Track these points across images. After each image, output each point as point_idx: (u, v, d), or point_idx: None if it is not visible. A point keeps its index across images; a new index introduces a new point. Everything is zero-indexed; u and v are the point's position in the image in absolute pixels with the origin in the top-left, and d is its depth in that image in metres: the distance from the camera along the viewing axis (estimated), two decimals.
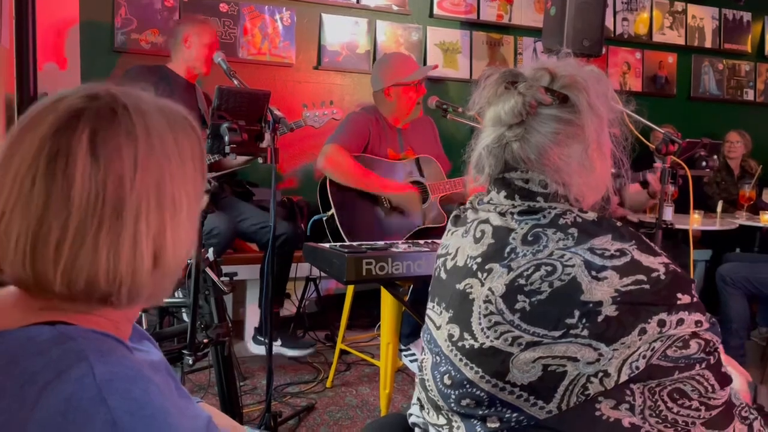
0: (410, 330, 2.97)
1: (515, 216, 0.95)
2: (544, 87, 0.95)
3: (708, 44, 5.02)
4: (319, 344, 3.43)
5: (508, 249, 0.93)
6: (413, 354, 3.00)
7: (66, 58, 3.19)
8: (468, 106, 1.03)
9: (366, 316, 3.59)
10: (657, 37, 4.86)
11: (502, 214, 0.97)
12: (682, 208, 3.30)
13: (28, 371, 0.58)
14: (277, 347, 2.97)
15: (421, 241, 2.40)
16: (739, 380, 1.10)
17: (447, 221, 1.16)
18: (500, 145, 0.97)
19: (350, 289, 2.85)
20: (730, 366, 1.12)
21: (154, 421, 0.58)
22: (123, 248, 0.63)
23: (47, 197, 0.61)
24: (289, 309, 3.54)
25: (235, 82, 2.31)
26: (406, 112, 3.09)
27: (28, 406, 0.57)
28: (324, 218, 2.92)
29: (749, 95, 5.20)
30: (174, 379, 0.73)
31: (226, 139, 1.87)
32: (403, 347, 3.01)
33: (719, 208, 3.84)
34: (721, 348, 1.12)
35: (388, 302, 2.32)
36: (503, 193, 0.99)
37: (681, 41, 4.93)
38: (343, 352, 2.97)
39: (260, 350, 3.02)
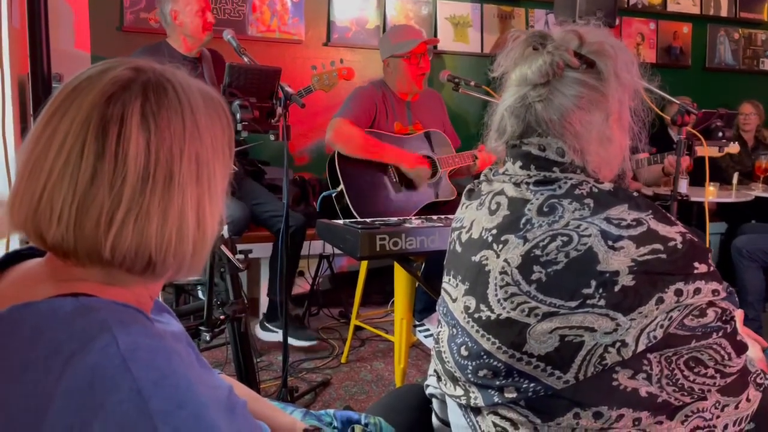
0: (424, 305, 2.99)
1: (531, 186, 0.95)
2: (573, 50, 0.94)
3: (724, 13, 4.92)
4: (333, 321, 3.46)
5: (523, 220, 0.92)
6: (427, 329, 3.02)
7: (75, 38, 3.18)
8: (492, 67, 1.02)
9: (379, 292, 3.61)
10: (671, 7, 4.77)
11: (517, 185, 0.97)
12: (697, 181, 3.27)
13: (52, 343, 0.59)
14: (281, 335, 2.97)
15: (434, 216, 2.40)
16: (755, 349, 1.10)
17: (456, 195, 1.16)
18: (523, 105, 0.96)
19: (364, 265, 2.87)
20: (747, 335, 1.12)
21: (178, 389, 0.59)
22: (172, 217, 0.64)
23: (96, 167, 0.61)
24: (302, 286, 3.57)
25: (245, 59, 2.30)
26: (407, 84, 3.08)
27: (54, 377, 0.58)
28: (333, 194, 2.93)
29: (766, 65, 5.10)
30: (194, 349, 0.74)
31: (238, 116, 1.87)
32: (417, 322, 3.03)
33: (734, 180, 3.79)
34: (739, 316, 1.12)
35: (401, 278, 2.33)
36: (519, 164, 0.98)
37: (696, 10, 4.84)
38: (357, 328, 2.99)
39: (268, 336, 3.03)
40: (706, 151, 2.58)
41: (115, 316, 0.62)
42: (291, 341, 2.88)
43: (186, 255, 0.67)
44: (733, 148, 3.07)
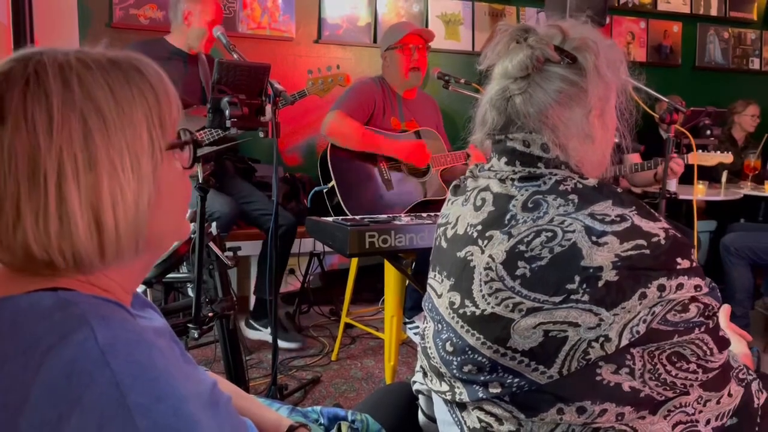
0: (413, 303, 3.00)
1: (515, 183, 0.95)
2: (555, 45, 0.94)
3: (714, 12, 4.95)
4: (323, 318, 3.46)
5: (508, 216, 0.93)
6: (417, 326, 3.03)
7: (64, 36, 3.16)
8: (479, 60, 1.02)
9: (370, 290, 3.61)
10: (662, 6, 4.79)
11: (502, 181, 0.97)
12: (686, 179, 3.29)
13: (31, 336, 0.59)
14: (267, 334, 2.96)
15: (424, 214, 2.41)
16: (740, 344, 1.11)
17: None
18: (503, 97, 0.96)
19: (354, 263, 2.87)
20: (732, 330, 1.13)
21: (158, 383, 0.58)
22: (51, 213, 0.61)
23: None
24: (293, 284, 3.56)
25: (235, 56, 2.30)
26: (400, 77, 3.10)
27: (31, 370, 0.57)
28: (324, 190, 2.93)
29: (755, 64, 5.13)
30: (178, 345, 0.74)
31: (227, 113, 1.86)
32: (407, 320, 3.04)
33: (723, 179, 3.82)
34: (726, 312, 1.12)
35: (391, 275, 2.33)
36: (504, 160, 0.98)
37: (686, 9, 4.86)
38: (347, 325, 3.00)
39: (254, 335, 3.02)
40: (695, 158, 2.61)
41: (94, 310, 0.62)
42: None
43: (87, 250, 0.63)
44: (727, 157, 3.10)
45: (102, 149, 0.62)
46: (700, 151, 3.02)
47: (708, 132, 2.43)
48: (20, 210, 0.60)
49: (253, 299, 3.24)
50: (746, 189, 3.81)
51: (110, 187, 0.63)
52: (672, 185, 2.97)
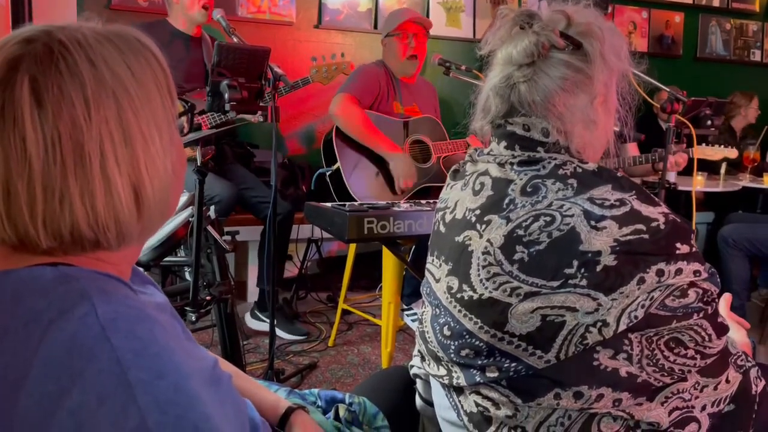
0: (411, 290, 3.00)
1: (515, 167, 0.95)
2: (560, 30, 0.93)
3: (716, 3, 4.92)
4: (321, 305, 3.46)
5: (507, 200, 0.92)
6: (415, 313, 3.04)
7: (62, 17, 3.14)
8: (480, 45, 1.01)
9: (367, 277, 3.61)
10: None
11: (501, 165, 0.96)
12: (685, 170, 3.29)
13: (32, 310, 0.59)
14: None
15: (423, 201, 2.41)
16: (740, 332, 1.11)
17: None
18: (508, 84, 0.96)
19: (352, 249, 2.87)
20: (731, 318, 1.13)
21: (160, 359, 0.58)
22: (97, 191, 0.61)
23: (6, 158, 0.59)
24: (290, 270, 3.56)
25: (235, 39, 2.28)
26: (398, 63, 3.12)
27: (32, 345, 0.57)
28: (328, 173, 2.93)
29: (756, 56, 5.11)
30: (179, 321, 0.74)
31: (226, 96, 1.85)
32: (404, 306, 3.05)
33: (722, 170, 3.82)
34: (727, 300, 1.13)
35: (389, 262, 2.33)
36: (503, 144, 0.98)
37: (688, 0, 4.84)
38: (344, 312, 3.00)
39: (258, 326, 3.00)
40: (696, 151, 2.60)
41: (95, 284, 0.61)
42: (280, 333, 2.87)
43: (129, 223, 0.65)
44: (731, 152, 3.09)
45: (134, 124, 0.63)
46: (704, 145, 3.02)
47: (709, 122, 2.43)
48: (69, 191, 0.61)
49: (250, 286, 3.24)
50: (745, 181, 3.81)
51: (145, 160, 0.65)
52: (671, 176, 2.97)
